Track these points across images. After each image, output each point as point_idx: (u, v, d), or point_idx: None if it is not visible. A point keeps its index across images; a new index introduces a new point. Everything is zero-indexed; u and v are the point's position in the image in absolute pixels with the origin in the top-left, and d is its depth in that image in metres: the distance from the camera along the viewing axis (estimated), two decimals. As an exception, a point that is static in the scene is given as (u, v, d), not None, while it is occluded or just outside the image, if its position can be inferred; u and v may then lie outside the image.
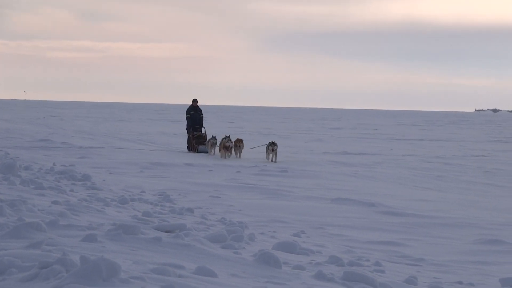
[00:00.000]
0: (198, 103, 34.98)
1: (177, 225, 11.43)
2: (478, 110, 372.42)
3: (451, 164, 32.27)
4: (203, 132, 34.57)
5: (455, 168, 30.00)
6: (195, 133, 34.26)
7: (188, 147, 34.59)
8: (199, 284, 7.25)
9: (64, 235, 9.48)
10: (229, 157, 30.88)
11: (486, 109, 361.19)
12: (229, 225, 12.80)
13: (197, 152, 33.59)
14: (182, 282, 7.18)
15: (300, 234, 13.27)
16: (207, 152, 32.90)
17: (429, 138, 58.95)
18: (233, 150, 31.52)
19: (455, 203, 19.15)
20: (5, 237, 8.85)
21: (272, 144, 29.98)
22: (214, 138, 32.96)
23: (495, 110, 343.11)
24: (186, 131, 35.17)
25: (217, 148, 32.40)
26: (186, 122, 34.86)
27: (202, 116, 35.05)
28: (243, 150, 31.77)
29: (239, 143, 31.59)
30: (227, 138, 31.51)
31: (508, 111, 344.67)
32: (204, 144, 33.51)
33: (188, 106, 35.06)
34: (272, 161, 29.70)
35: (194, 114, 34.69)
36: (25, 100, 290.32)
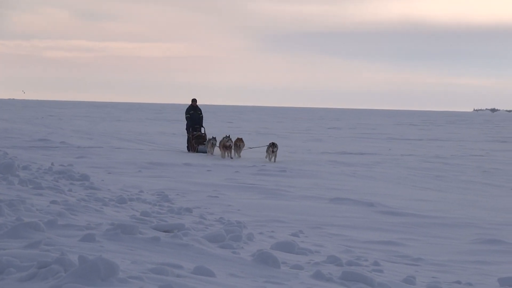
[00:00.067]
0: (197, 103, 34.98)
1: (176, 225, 11.43)
2: (476, 110, 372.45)
3: (450, 164, 32.28)
4: (202, 132, 34.56)
5: (454, 168, 30.01)
6: (194, 133, 34.24)
7: (187, 147, 34.57)
8: (198, 284, 7.25)
9: (63, 235, 9.47)
10: (230, 157, 30.83)
11: (484, 108, 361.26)
12: (228, 225, 12.79)
13: (197, 152, 33.58)
14: (181, 281, 7.18)
15: (298, 234, 13.27)
16: (206, 152, 32.88)
17: (428, 138, 58.98)
18: (233, 150, 31.51)
19: (454, 203, 19.15)
20: (3, 236, 8.84)
21: (273, 145, 30.02)
22: (214, 138, 32.93)
23: (493, 110, 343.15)
24: (185, 131, 35.16)
25: (216, 149, 32.38)
26: (185, 122, 34.85)
27: (202, 116, 35.02)
28: (243, 150, 31.77)
29: (239, 142, 31.61)
30: (227, 137, 31.49)
31: (507, 110, 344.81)
32: (204, 144, 33.49)
33: (188, 106, 35.05)
34: (271, 161, 29.72)
35: (194, 114, 34.67)
36: (23, 100, 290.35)
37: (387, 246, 12.75)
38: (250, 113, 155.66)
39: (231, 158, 30.77)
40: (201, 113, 34.96)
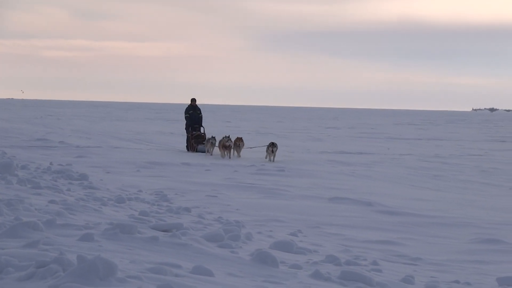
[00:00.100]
0: (197, 103, 34.97)
1: (174, 224, 11.43)
2: (475, 109, 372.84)
3: (449, 163, 32.29)
4: (202, 131, 34.55)
5: (452, 168, 30.02)
6: (194, 132, 34.24)
7: (187, 146, 34.55)
8: (196, 283, 7.25)
9: (61, 234, 9.48)
10: (228, 157, 30.80)
11: (483, 108, 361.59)
12: (226, 225, 12.79)
13: (196, 151, 33.57)
14: (179, 281, 7.18)
15: (297, 233, 13.26)
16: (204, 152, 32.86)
17: (427, 138, 58.99)
18: (232, 149, 31.49)
19: (453, 202, 19.16)
20: (2, 236, 8.84)
21: (272, 145, 30.04)
22: (213, 138, 32.91)
23: (492, 109, 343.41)
24: (185, 130, 35.15)
25: (216, 148, 32.36)
26: (185, 121, 34.84)
27: (201, 116, 35.00)
28: (242, 149, 31.76)
29: (239, 142, 31.61)
30: (227, 137, 31.47)
31: (505, 110, 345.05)
32: (203, 144, 33.48)
33: (187, 106, 35.05)
34: (270, 160, 29.71)
35: (193, 113, 34.67)
36: (22, 100, 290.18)
37: (385, 245, 12.76)
38: (249, 113, 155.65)
39: (229, 158, 30.75)
40: (200, 113, 34.95)
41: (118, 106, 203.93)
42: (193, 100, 34.79)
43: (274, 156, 29.98)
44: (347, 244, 12.64)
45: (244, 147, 31.90)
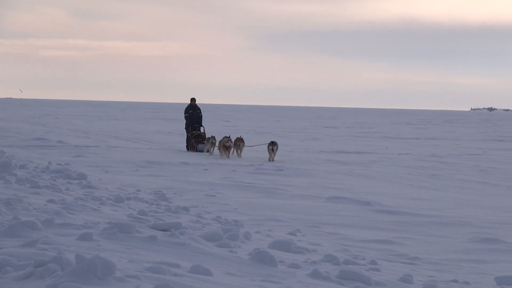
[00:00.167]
0: (196, 102, 34.98)
1: (173, 223, 11.44)
2: (474, 109, 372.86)
3: (447, 162, 32.30)
4: (202, 131, 34.55)
5: (450, 167, 30.03)
6: (194, 132, 34.23)
7: (187, 146, 34.54)
8: (195, 283, 7.26)
9: (60, 233, 9.48)
10: (227, 157, 30.77)
11: (482, 108, 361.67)
12: (225, 224, 12.80)
13: (196, 151, 33.56)
14: (178, 280, 7.18)
15: (295, 232, 13.27)
16: (206, 151, 32.83)
17: (425, 137, 59.01)
18: (233, 149, 31.47)
19: (451, 202, 19.16)
20: (0, 235, 8.85)
21: (272, 144, 30.03)
22: (213, 137, 32.90)
23: (490, 109, 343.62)
24: (184, 130, 35.14)
25: (216, 148, 32.34)
26: (184, 121, 34.84)
27: (201, 115, 34.99)
28: (242, 148, 31.75)
29: (239, 142, 31.60)
30: (227, 137, 31.43)
31: (504, 110, 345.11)
32: (203, 143, 33.47)
33: (187, 105, 35.04)
34: (270, 160, 29.65)
35: (193, 113, 34.66)
36: (20, 99, 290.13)
37: (384, 245, 12.76)
38: (247, 112, 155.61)
39: (228, 157, 30.73)
40: (200, 112, 34.95)
41: (116, 105, 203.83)
42: (193, 99, 34.78)
43: (275, 154, 29.98)
44: (346, 243, 12.65)
45: (245, 146, 31.88)
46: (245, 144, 32.06)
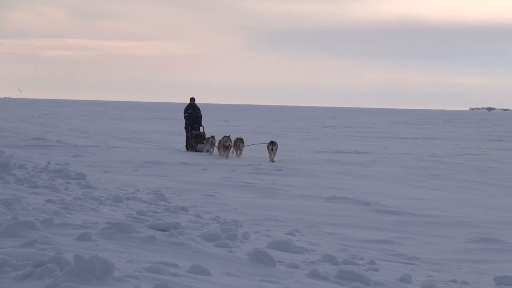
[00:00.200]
0: (195, 102, 34.98)
1: (172, 223, 11.43)
2: (472, 109, 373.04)
3: (446, 162, 32.31)
4: (201, 131, 34.54)
5: (449, 167, 30.03)
6: (193, 132, 34.23)
7: (186, 146, 34.54)
8: (193, 283, 7.25)
9: (58, 233, 9.48)
10: (226, 157, 30.76)
11: (480, 107, 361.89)
12: (224, 224, 12.80)
13: (195, 151, 33.56)
14: (176, 280, 7.18)
15: (294, 232, 13.27)
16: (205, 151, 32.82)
17: (424, 137, 59.02)
18: (232, 149, 31.46)
19: (450, 202, 19.17)
20: (-1, 235, 8.84)
21: (272, 144, 30.02)
22: (212, 137, 32.91)
23: (489, 109, 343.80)
24: (184, 130, 35.14)
25: (215, 148, 32.33)
26: (184, 121, 34.83)
27: (200, 115, 34.98)
28: (242, 149, 31.75)
29: (239, 142, 31.60)
30: (227, 137, 31.43)
31: (503, 109, 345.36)
32: (203, 143, 33.47)
33: (186, 105, 35.04)
34: (271, 160, 29.62)
35: (192, 113, 34.66)
36: (19, 99, 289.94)
37: (383, 245, 12.76)
38: (246, 112, 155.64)
39: (227, 157, 30.73)
40: (199, 112, 34.94)
41: (115, 105, 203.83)
42: (192, 99, 34.78)
43: (274, 154, 29.97)
44: (345, 243, 12.65)
45: (244, 146, 31.88)
46: (245, 144, 32.06)
